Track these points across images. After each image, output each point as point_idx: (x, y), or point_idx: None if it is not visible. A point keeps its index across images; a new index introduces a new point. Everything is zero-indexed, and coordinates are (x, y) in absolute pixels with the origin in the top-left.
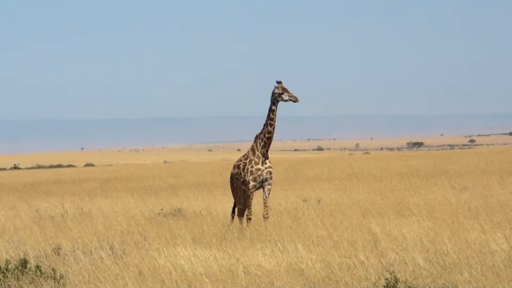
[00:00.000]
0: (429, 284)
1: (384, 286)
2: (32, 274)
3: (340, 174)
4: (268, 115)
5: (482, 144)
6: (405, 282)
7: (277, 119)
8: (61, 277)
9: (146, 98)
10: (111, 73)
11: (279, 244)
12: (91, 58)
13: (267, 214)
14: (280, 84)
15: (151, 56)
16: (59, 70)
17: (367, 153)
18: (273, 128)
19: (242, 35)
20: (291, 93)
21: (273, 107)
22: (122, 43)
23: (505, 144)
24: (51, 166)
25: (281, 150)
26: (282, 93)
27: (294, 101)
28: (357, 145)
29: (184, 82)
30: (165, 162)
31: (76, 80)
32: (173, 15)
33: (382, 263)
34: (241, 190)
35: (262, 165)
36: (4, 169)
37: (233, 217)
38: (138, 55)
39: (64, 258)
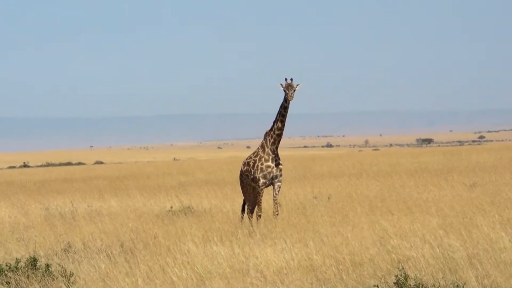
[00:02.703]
0: (439, 280)
1: (394, 283)
2: (42, 272)
3: (350, 171)
4: (279, 111)
5: (491, 140)
6: (415, 279)
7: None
8: (71, 275)
9: (155, 96)
10: (120, 71)
11: (289, 241)
12: (100, 56)
13: (277, 211)
14: (287, 81)
15: (160, 53)
16: (69, 68)
17: (377, 149)
18: (283, 125)
19: (252, 32)
20: (291, 92)
21: (285, 104)
22: (131, 41)
23: None
24: (60, 164)
25: (290, 147)
26: (284, 90)
27: (286, 99)
28: (366, 141)
29: (194, 80)
30: (174, 159)
31: (86, 78)
32: (181, 12)
33: (392, 259)
34: (251, 187)
35: (272, 162)
36: (14, 167)
37: (243, 215)
38: (148, 53)
39: (74, 256)
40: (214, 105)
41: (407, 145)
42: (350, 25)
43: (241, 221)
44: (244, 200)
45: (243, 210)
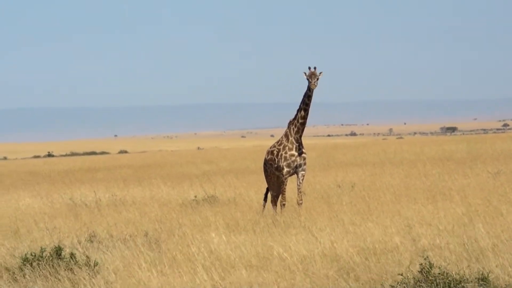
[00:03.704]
0: (464, 269)
1: (418, 271)
2: (67, 261)
3: (374, 159)
4: (303, 100)
5: None
6: (439, 267)
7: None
8: (96, 264)
9: (180, 85)
10: (145, 61)
11: (313, 230)
12: (127, 46)
13: (301, 200)
14: (310, 70)
15: (184, 43)
16: (94, 58)
17: (401, 138)
18: (307, 114)
19: (276, 21)
20: (314, 80)
21: (309, 93)
22: (157, 31)
23: None
24: (85, 154)
25: (314, 136)
26: (308, 79)
27: (310, 88)
28: (390, 130)
29: (218, 69)
30: (198, 148)
31: (110, 67)
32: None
33: (416, 248)
34: (275, 176)
35: (296, 151)
36: (39, 156)
37: (265, 203)
38: (172, 43)
39: (98, 245)
40: (238, 94)
41: (431, 133)
42: (374, 13)
43: (263, 210)
44: (267, 189)
45: (265, 199)
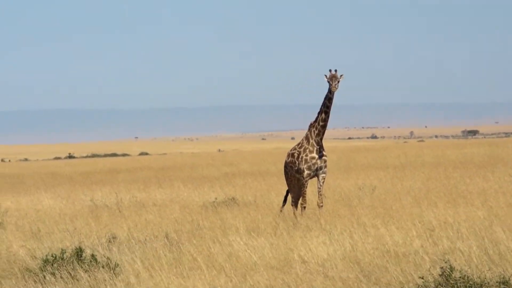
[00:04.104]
0: (485, 272)
1: (439, 275)
2: (88, 263)
3: (395, 162)
4: (324, 103)
5: None
6: (460, 271)
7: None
8: (116, 265)
9: (200, 87)
10: (164, 63)
11: (334, 233)
12: (146, 48)
13: (322, 202)
14: (331, 73)
15: (204, 45)
16: (115, 60)
17: (422, 141)
18: (328, 116)
19: (297, 21)
20: (335, 83)
21: (330, 95)
22: (176, 32)
23: None
24: (105, 155)
25: (334, 138)
26: (328, 81)
27: (330, 90)
28: (411, 133)
29: (238, 71)
30: (219, 150)
31: (131, 70)
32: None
33: (437, 251)
34: (295, 178)
35: (317, 153)
36: (60, 158)
37: (284, 205)
38: (192, 44)
39: (119, 247)
40: (258, 96)
41: (452, 136)
42: (395, 16)
43: (281, 212)
44: (287, 192)
45: (284, 201)
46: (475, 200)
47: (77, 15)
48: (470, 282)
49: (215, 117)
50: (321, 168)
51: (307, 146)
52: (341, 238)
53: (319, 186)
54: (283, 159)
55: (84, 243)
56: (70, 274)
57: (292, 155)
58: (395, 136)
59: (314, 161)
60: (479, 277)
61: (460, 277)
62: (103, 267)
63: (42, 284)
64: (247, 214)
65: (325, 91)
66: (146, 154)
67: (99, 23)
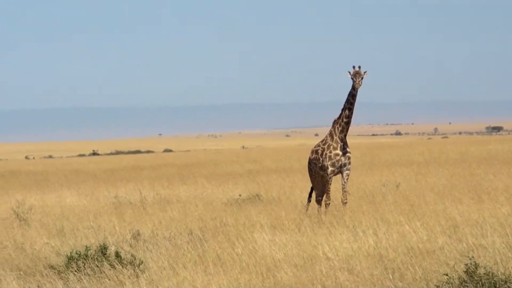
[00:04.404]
0: (509, 269)
1: (463, 271)
2: (112, 260)
3: (419, 159)
4: (347, 99)
5: None
6: (485, 267)
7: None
8: (141, 263)
9: (223, 84)
10: (189, 60)
11: (358, 230)
12: (170, 46)
13: (346, 199)
14: (354, 69)
15: (229, 42)
16: (137, 59)
17: (446, 137)
18: (351, 113)
19: (321, 18)
20: (358, 79)
21: (353, 92)
22: (201, 30)
23: None
24: (129, 152)
25: (359, 135)
26: (352, 78)
27: (354, 87)
28: (435, 129)
29: (261, 69)
30: (242, 147)
31: (154, 67)
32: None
33: (461, 248)
34: (319, 175)
35: (340, 150)
36: (83, 155)
37: (309, 202)
38: (216, 42)
39: (143, 244)
40: (281, 93)
41: (477, 133)
42: (421, 14)
43: (307, 209)
44: (311, 188)
45: (309, 198)
46: (499, 196)
47: (105, 8)
48: (495, 279)
49: (239, 114)
50: (345, 164)
51: (331, 142)
52: (365, 235)
53: (343, 183)
54: (307, 156)
55: (108, 240)
56: (94, 271)
57: (316, 151)
58: (419, 133)
59: (338, 157)
60: (504, 274)
61: (484, 273)
62: (127, 264)
63: (66, 282)
64: (271, 210)
65: (349, 88)
66: (170, 151)
67: (119, 20)
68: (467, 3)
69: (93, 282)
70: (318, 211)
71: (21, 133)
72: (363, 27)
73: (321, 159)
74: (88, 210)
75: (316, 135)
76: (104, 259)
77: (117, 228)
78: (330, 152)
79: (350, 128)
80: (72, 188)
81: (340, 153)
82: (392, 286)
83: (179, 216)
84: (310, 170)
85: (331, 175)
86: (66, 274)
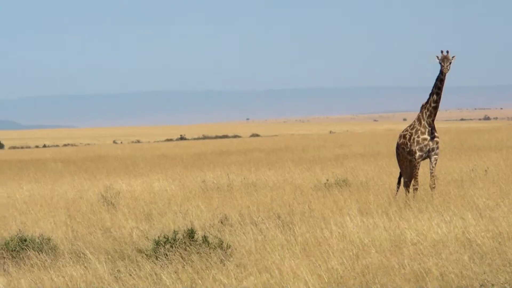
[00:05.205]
0: None
1: None
2: (200, 244)
3: (509, 144)
4: (435, 84)
5: None
6: None
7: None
8: (228, 247)
9: (309, 68)
10: (276, 44)
11: (446, 214)
12: (263, 31)
13: (434, 184)
14: (442, 54)
15: (315, 26)
16: (231, 43)
17: None
18: (439, 98)
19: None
20: (446, 64)
21: (441, 76)
22: (285, 18)
23: None
24: (217, 137)
25: (446, 120)
26: (440, 62)
27: (442, 71)
28: None
29: (348, 52)
30: (330, 132)
31: (246, 52)
32: None
33: None
34: (407, 160)
35: (428, 135)
36: (171, 139)
37: (398, 188)
38: (302, 28)
39: (230, 228)
40: (369, 77)
41: None
42: None
43: (396, 194)
44: (400, 174)
45: (398, 183)
46: None
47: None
48: None
49: (326, 98)
50: (433, 149)
51: (419, 127)
52: (453, 220)
53: (431, 168)
54: (394, 140)
55: (195, 224)
56: (182, 256)
57: (404, 136)
58: (508, 118)
59: (426, 142)
60: None
61: None
62: (215, 248)
63: (154, 265)
64: (359, 195)
65: (437, 73)
66: (257, 135)
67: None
68: None
69: (181, 266)
70: (406, 195)
71: (110, 117)
72: (452, 11)
73: (409, 143)
74: (176, 195)
75: (404, 119)
76: (192, 244)
77: (204, 213)
78: (418, 137)
79: (438, 113)
80: (160, 173)
81: (428, 137)
82: (480, 271)
83: (267, 201)
84: (398, 155)
85: (419, 160)
86: (154, 259)
